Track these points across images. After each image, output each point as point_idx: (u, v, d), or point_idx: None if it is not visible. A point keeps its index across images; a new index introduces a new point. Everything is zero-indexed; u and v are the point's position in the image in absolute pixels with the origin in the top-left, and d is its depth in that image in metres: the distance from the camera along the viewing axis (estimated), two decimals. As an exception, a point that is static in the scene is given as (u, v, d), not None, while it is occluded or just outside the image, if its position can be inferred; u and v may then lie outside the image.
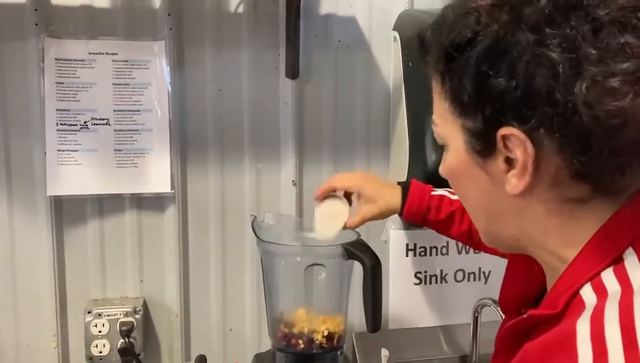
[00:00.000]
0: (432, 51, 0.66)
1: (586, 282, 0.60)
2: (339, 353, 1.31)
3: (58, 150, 1.39)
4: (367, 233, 1.30)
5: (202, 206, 1.50)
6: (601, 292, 0.58)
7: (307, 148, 1.54)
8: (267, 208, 1.47)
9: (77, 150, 1.40)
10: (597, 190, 0.61)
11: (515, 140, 0.59)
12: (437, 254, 1.58)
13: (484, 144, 0.63)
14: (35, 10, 1.36)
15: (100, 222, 1.46)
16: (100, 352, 1.41)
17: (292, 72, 1.48)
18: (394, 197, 1.20)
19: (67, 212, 1.44)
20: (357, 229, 1.27)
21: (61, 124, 1.39)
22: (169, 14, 1.42)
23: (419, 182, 1.23)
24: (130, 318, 1.42)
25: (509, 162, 0.62)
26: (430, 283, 1.59)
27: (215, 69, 1.47)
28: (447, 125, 0.67)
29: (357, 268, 1.24)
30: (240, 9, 1.46)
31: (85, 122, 1.40)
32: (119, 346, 1.41)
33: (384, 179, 1.27)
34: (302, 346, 1.28)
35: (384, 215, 1.23)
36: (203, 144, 1.48)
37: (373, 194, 1.21)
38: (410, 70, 1.41)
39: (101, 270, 1.47)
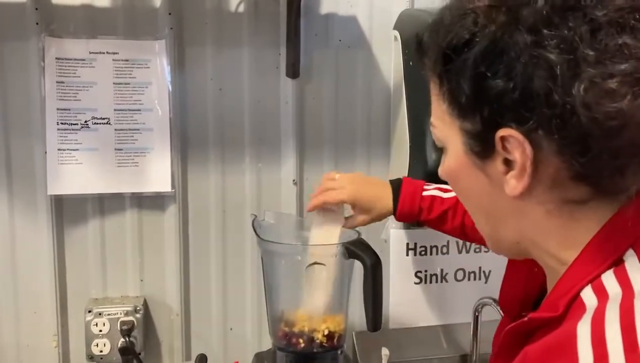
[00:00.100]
0: (429, 53, 0.66)
1: (587, 284, 0.60)
2: (339, 352, 1.31)
3: (59, 150, 1.39)
4: (367, 232, 1.30)
5: (203, 205, 1.50)
6: (602, 294, 0.58)
7: (307, 147, 1.54)
8: (267, 208, 1.47)
9: (77, 150, 1.40)
10: (597, 192, 0.61)
11: (513, 141, 0.59)
12: (437, 253, 1.58)
13: (482, 146, 0.63)
14: (36, 9, 1.36)
15: (100, 221, 1.46)
16: (101, 351, 1.41)
17: (293, 71, 1.48)
18: (387, 204, 1.22)
19: (67, 211, 1.44)
20: (357, 228, 1.27)
21: (62, 123, 1.39)
22: (170, 13, 1.42)
23: (410, 182, 1.23)
24: (130, 318, 1.42)
25: (508, 164, 0.62)
26: (431, 282, 1.58)
27: (215, 68, 1.47)
28: (445, 127, 0.67)
29: (358, 267, 1.24)
30: (241, 8, 1.46)
31: (85, 122, 1.40)
32: (119, 345, 1.41)
33: (384, 178, 1.27)
34: (302, 345, 1.28)
35: (378, 220, 1.26)
36: (203, 143, 1.48)
37: (366, 204, 1.22)
38: (411, 69, 1.41)
39: (102, 270, 1.47)
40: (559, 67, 0.55)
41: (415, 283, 1.58)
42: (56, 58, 1.38)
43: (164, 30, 1.42)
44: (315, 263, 1.26)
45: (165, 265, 1.50)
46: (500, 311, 0.91)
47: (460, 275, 1.60)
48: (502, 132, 0.60)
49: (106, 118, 1.41)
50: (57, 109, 1.39)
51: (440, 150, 0.72)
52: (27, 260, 1.44)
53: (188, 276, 1.51)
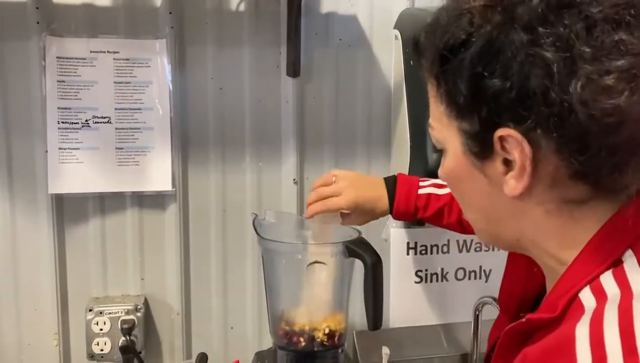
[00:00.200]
0: (426, 54, 0.66)
1: (585, 285, 0.59)
2: (339, 351, 1.31)
3: (59, 149, 1.40)
4: (368, 231, 1.30)
5: (203, 204, 1.50)
6: (600, 295, 0.58)
7: (308, 146, 1.54)
8: (268, 207, 1.47)
9: (78, 149, 1.41)
10: (597, 190, 0.61)
11: (512, 141, 0.59)
12: (437, 252, 1.58)
13: (481, 146, 0.63)
14: (37, 8, 1.37)
15: (101, 220, 1.46)
16: (102, 350, 1.41)
17: (293, 70, 1.48)
18: (384, 204, 1.22)
19: (68, 210, 1.44)
20: (357, 227, 1.28)
21: (62, 122, 1.39)
22: (170, 13, 1.42)
23: (405, 180, 1.23)
24: (131, 316, 1.42)
25: (507, 164, 0.62)
26: (431, 281, 1.59)
27: (216, 67, 1.47)
28: (443, 129, 0.67)
29: (358, 266, 1.24)
30: (242, 8, 1.46)
31: (86, 120, 1.40)
32: (120, 344, 1.41)
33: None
34: (303, 344, 1.28)
35: (375, 219, 1.27)
36: (204, 142, 1.49)
37: (366, 208, 1.22)
38: (412, 68, 1.41)
39: (102, 268, 1.47)
40: (555, 65, 0.55)
41: (416, 282, 1.58)
42: (57, 57, 1.38)
43: (165, 30, 1.42)
44: (316, 262, 1.26)
45: (166, 264, 1.50)
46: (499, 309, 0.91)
47: (460, 274, 1.60)
48: (500, 132, 0.59)
49: (107, 117, 1.41)
50: (58, 108, 1.39)
51: (440, 152, 0.72)
52: (28, 259, 1.44)
53: (189, 275, 1.52)
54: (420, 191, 1.21)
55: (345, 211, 1.24)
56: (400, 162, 1.47)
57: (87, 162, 1.41)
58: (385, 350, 1.39)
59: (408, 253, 1.56)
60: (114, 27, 1.41)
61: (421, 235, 1.56)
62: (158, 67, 1.42)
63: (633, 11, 0.55)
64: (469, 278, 1.60)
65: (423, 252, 1.57)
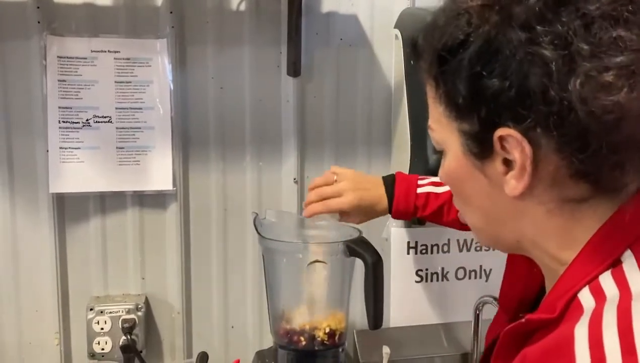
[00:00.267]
0: (424, 55, 0.66)
1: (584, 286, 0.59)
2: (340, 350, 1.31)
3: (60, 148, 1.40)
4: (368, 230, 1.30)
5: (204, 203, 1.51)
6: (599, 296, 0.57)
7: (308, 146, 1.54)
8: (268, 206, 1.48)
9: (79, 148, 1.41)
10: (597, 189, 0.60)
11: (512, 141, 0.59)
12: (438, 252, 1.58)
13: (481, 146, 0.63)
14: (38, 8, 1.37)
15: (102, 219, 1.46)
16: (102, 349, 1.41)
17: (294, 70, 1.48)
18: (384, 204, 1.22)
19: (69, 209, 1.44)
20: (358, 226, 1.28)
21: (63, 122, 1.39)
22: (171, 12, 1.42)
23: (403, 179, 1.23)
24: (132, 316, 1.42)
25: (507, 164, 0.61)
26: (432, 281, 1.58)
27: (217, 67, 1.47)
28: (443, 130, 0.67)
29: (359, 265, 1.24)
30: (242, 7, 1.46)
31: (87, 120, 1.40)
32: (120, 343, 1.41)
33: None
34: (303, 343, 1.28)
35: (374, 218, 1.27)
36: (205, 142, 1.49)
37: (366, 208, 1.22)
38: (412, 68, 1.41)
39: (103, 268, 1.47)
40: (554, 63, 0.55)
41: (416, 281, 1.58)
42: (58, 56, 1.38)
43: (166, 29, 1.43)
44: (316, 261, 1.26)
45: (167, 263, 1.50)
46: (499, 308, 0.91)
47: (461, 273, 1.60)
48: (500, 132, 0.59)
49: (108, 116, 1.41)
50: (59, 108, 1.39)
51: (440, 153, 0.71)
52: (28, 258, 1.44)
53: (189, 274, 1.52)
54: (419, 190, 1.21)
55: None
56: (401, 162, 1.47)
57: (88, 161, 1.41)
58: (386, 350, 1.39)
59: (408, 253, 1.56)
60: (114, 27, 1.41)
61: (421, 235, 1.56)
62: (159, 66, 1.42)
63: (631, 7, 0.55)
64: (470, 278, 1.60)
65: (423, 251, 1.57)
